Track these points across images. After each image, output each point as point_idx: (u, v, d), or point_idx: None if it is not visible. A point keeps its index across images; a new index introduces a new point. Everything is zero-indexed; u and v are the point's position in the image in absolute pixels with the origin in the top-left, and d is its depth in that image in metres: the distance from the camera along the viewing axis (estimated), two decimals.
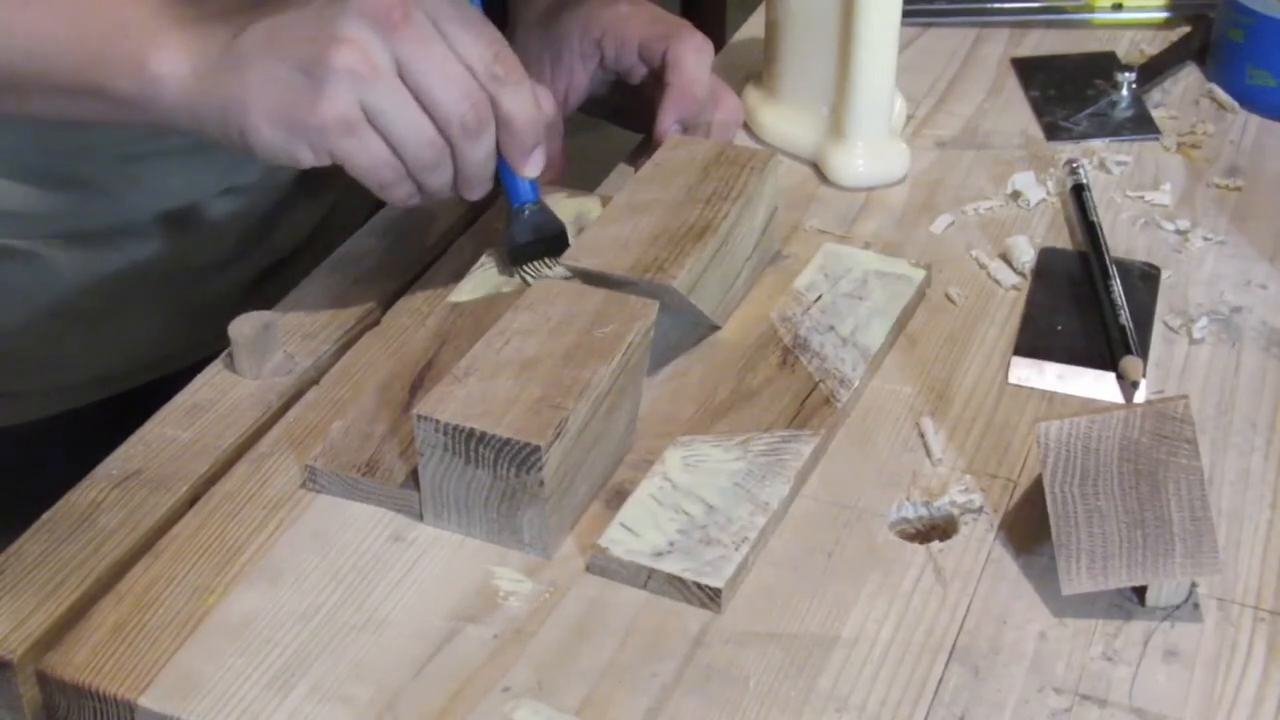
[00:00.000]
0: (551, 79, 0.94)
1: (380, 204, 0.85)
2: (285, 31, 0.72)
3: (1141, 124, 1.01)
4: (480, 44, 0.73)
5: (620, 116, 0.99)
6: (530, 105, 0.75)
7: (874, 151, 0.94)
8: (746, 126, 1.00)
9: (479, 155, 0.75)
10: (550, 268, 0.83)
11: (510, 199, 0.82)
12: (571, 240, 0.82)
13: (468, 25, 0.73)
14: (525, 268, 0.83)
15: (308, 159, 0.73)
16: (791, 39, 0.95)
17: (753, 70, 1.03)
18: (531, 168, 0.77)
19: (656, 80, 0.92)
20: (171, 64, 0.74)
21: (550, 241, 0.83)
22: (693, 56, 0.90)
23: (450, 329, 0.80)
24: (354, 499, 0.70)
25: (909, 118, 1.02)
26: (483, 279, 0.84)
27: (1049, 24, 1.14)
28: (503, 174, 0.79)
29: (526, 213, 0.82)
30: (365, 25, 0.71)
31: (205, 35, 0.74)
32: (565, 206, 0.87)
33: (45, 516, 0.69)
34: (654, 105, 0.91)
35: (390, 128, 0.72)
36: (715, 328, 0.81)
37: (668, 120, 0.90)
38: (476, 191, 0.77)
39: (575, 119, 0.98)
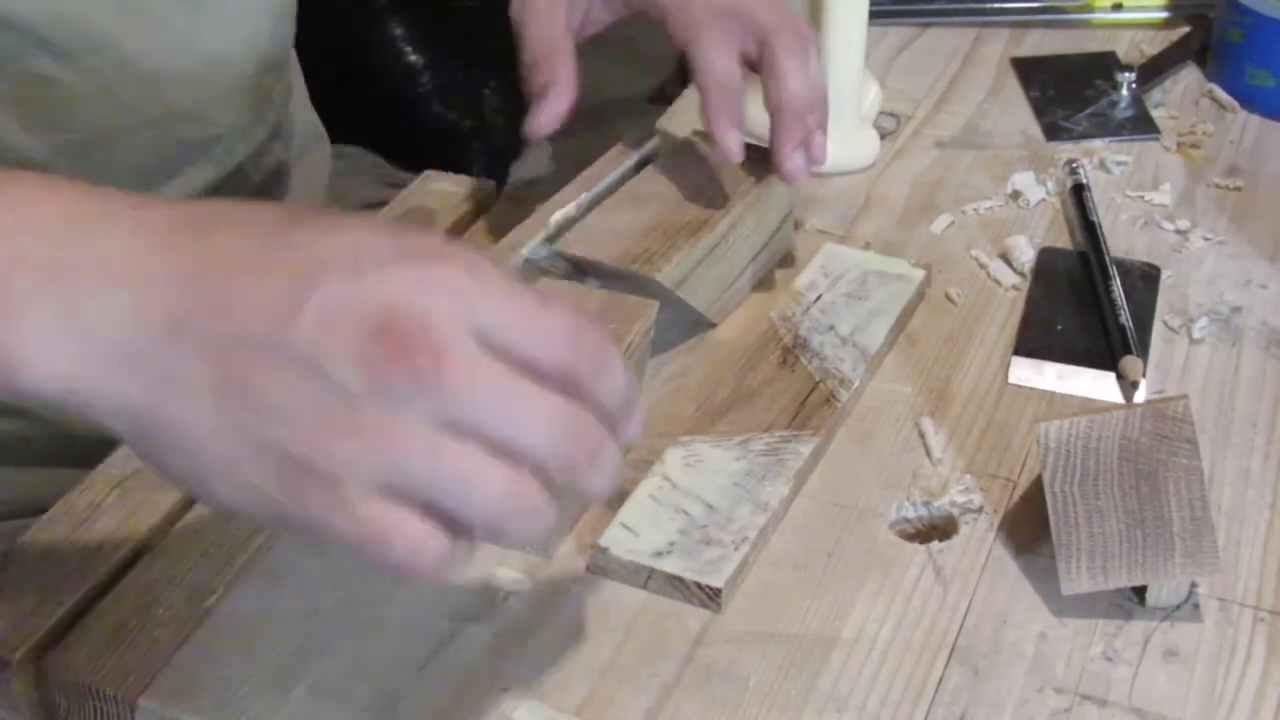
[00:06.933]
0: (568, 9, 0.83)
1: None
2: (250, 381, 0.46)
3: (1141, 124, 1.01)
4: (555, 333, 0.48)
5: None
6: (625, 385, 0.50)
7: (843, 137, 0.95)
8: None
9: (603, 481, 0.50)
10: None
11: None
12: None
13: (524, 313, 0.47)
14: None
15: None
16: None
17: None
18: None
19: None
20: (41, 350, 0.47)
21: None
22: (790, 61, 0.78)
23: None
24: None
25: (908, 118, 1.02)
26: None
27: (1049, 24, 1.14)
28: None
29: None
30: (380, 389, 0.45)
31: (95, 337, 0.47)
32: None
33: (45, 516, 0.69)
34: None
35: (447, 505, 0.47)
36: (713, 325, 0.81)
37: (787, 149, 0.79)
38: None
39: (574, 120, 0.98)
